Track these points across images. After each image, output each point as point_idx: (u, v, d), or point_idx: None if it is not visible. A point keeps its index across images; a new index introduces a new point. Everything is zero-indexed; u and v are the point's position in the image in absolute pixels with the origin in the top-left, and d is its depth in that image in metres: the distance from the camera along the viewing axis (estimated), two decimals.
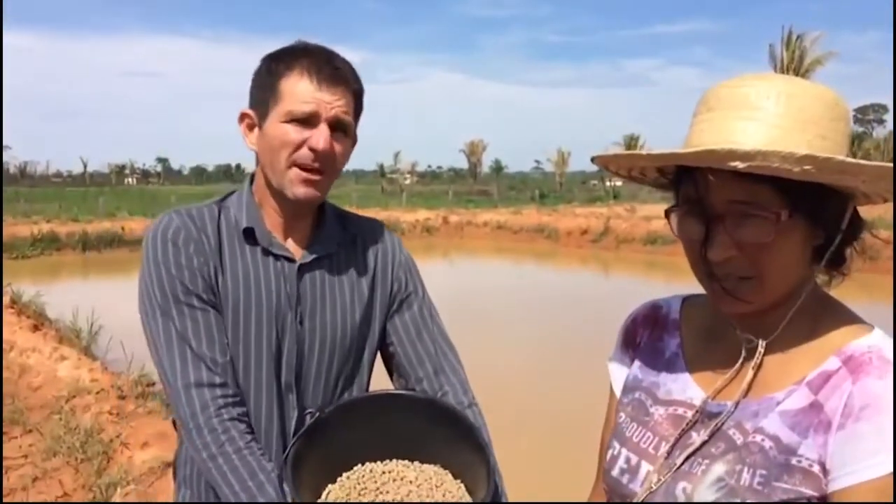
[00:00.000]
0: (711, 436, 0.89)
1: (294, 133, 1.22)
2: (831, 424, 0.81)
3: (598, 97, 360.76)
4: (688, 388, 0.97)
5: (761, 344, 0.90)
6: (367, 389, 1.40)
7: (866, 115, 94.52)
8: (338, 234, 1.37)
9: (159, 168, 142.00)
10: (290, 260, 1.31)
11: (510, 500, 1.35)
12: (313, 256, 1.32)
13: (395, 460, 1.13)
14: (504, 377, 8.18)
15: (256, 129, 1.29)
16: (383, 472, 1.11)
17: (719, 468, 0.86)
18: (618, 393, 1.08)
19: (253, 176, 1.35)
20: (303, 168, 1.24)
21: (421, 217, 28.30)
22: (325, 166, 1.25)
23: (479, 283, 16.71)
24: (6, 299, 8.60)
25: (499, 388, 7.72)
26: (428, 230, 27.30)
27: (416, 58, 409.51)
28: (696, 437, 0.91)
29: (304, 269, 1.31)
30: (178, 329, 1.22)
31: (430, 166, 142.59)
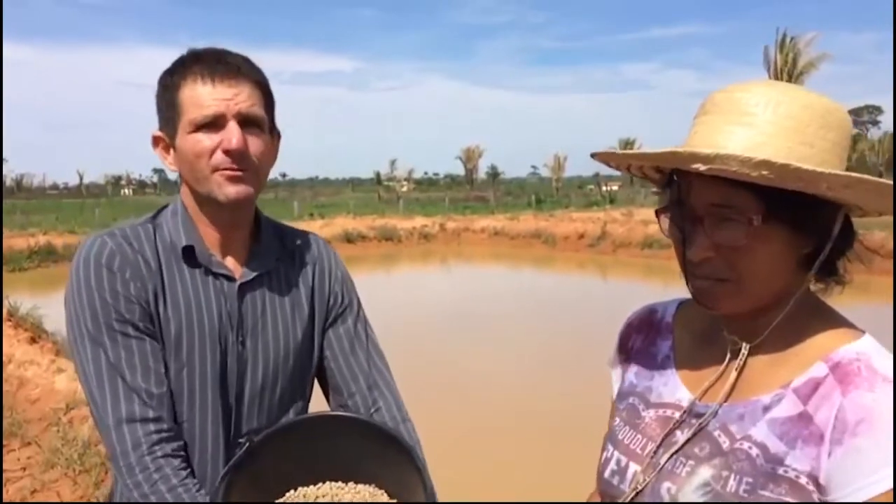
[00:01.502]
0: (694, 434, 0.91)
1: (206, 140, 1.18)
2: (823, 437, 0.81)
3: (594, 102, 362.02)
4: (677, 390, 0.99)
5: (745, 347, 0.92)
6: (307, 407, 1.38)
7: (861, 116, 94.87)
8: (276, 249, 1.33)
9: (155, 179, 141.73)
10: (230, 279, 1.26)
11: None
12: (254, 274, 1.28)
13: (328, 483, 1.12)
14: (503, 382, 8.17)
15: (172, 150, 1.24)
16: (317, 497, 1.11)
17: (705, 472, 0.87)
18: (615, 398, 1.10)
19: None
20: (224, 170, 1.19)
21: (418, 224, 28.27)
22: (246, 165, 1.20)
23: (478, 288, 16.71)
24: (3, 312, 8.57)
25: (499, 392, 7.72)
26: (425, 237, 27.28)
27: (411, 65, 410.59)
28: (681, 437, 0.92)
29: (244, 287, 1.27)
30: (110, 360, 1.16)
31: (426, 173, 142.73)
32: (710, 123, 0.87)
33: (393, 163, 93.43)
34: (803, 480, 0.81)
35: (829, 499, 0.80)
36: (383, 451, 1.12)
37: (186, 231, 1.25)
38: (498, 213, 33.38)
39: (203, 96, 1.17)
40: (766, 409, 0.87)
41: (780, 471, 0.83)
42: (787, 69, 36.47)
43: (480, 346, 10.19)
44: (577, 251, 23.14)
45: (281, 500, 1.10)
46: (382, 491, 1.12)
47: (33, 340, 7.80)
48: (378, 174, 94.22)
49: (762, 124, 0.84)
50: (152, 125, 1.27)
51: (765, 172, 0.78)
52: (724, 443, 0.88)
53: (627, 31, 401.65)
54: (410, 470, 1.09)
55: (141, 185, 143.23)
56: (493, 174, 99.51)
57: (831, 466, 0.80)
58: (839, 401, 0.81)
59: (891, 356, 0.84)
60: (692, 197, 0.88)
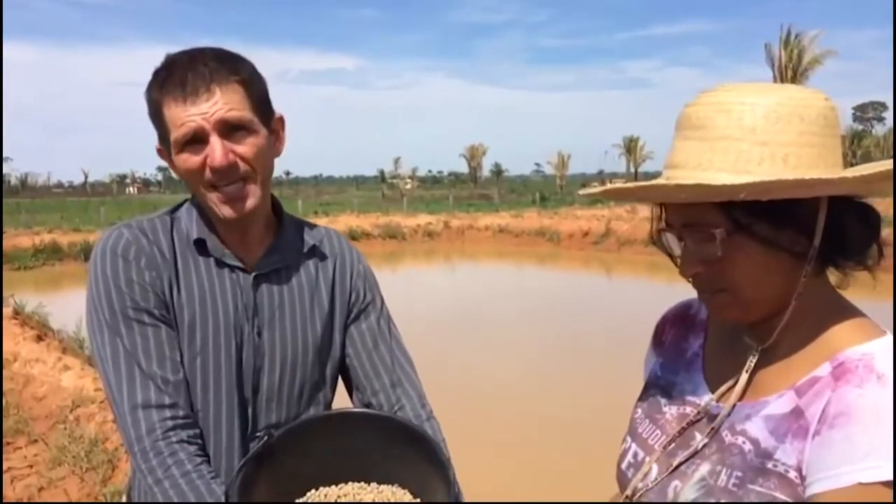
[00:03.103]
0: (711, 438, 0.91)
1: (192, 159, 1.16)
2: (808, 431, 0.81)
3: (597, 99, 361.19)
4: (699, 389, 1.00)
5: (756, 349, 0.92)
6: (330, 404, 1.36)
7: (866, 112, 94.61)
8: (296, 245, 1.33)
9: (160, 177, 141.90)
10: (244, 270, 1.26)
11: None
12: (270, 267, 1.28)
13: (349, 483, 1.11)
14: (508, 381, 8.17)
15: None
16: (338, 497, 1.09)
17: (704, 468, 0.89)
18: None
19: None
20: (217, 188, 1.17)
21: (422, 222, 28.24)
22: (241, 175, 1.17)
23: (482, 286, 16.70)
24: (9, 311, 8.60)
25: (503, 391, 7.72)
26: (429, 235, 27.26)
27: (413, 64, 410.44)
28: (698, 438, 0.93)
29: (259, 279, 1.27)
30: (126, 347, 1.17)
31: (430, 171, 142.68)
32: (674, 140, 0.90)
33: (397, 161, 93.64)
34: (792, 475, 0.81)
35: (804, 486, 0.80)
36: (406, 449, 1.10)
37: (199, 225, 1.26)
38: (502, 210, 33.33)
39: (179, 115, 1.14)
40: (769, 406, 0.87)
41: (769, 465, 0.83)
42: (792, 65, 36.34)
43: (484, 344, 10.19)
44: (582, 249, 23.11)
45: (301, 501, 1.09)
46: (405, 490, 1.10)
47: (39, 339, 7.82)
48: (382, 172, 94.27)
49: (712, 132, 0.84)
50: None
51: (682, 196, 0.84)
52: (727, 440, 0.89)
53: (628, 29, 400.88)
54: (434, 468, 1.07)
55: (146, 184, 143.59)
56: (497, 172, 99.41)
57: (808, 457, 0.80)
58: (829, 395, 0.80)
59: None
60: (670, 217, 0.93)
